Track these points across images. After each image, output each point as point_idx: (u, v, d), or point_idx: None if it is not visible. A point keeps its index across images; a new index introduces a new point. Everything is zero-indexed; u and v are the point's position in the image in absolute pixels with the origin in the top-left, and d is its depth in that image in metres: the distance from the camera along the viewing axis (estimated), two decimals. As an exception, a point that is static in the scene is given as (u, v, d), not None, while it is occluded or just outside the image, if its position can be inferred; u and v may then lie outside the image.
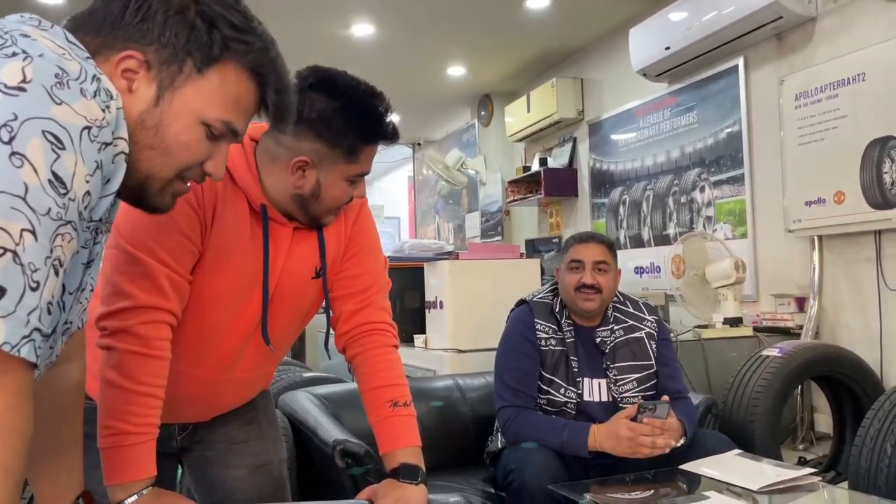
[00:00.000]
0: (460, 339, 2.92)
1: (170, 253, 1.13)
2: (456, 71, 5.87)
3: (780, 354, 2.75)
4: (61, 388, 0.92)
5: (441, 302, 3.00)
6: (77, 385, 0.97)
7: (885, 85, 3.00)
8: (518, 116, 5.82)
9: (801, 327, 3.38)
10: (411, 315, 3.23)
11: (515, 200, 5.84)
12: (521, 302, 2.21)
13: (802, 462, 3.04)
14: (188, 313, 1.19)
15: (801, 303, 3.47)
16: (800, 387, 3.21)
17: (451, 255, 3.10)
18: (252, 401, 1.43)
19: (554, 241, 5.63)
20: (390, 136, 1.22)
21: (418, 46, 5.24)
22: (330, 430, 1.85)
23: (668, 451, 1.86)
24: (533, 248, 5.67)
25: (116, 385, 1.08)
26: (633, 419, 1.88)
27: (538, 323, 2.09)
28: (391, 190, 9.94)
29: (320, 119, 1.16)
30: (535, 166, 5.63)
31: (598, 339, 2.09)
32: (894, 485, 2.09)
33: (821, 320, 3.38)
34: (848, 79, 3.17)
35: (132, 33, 0.79)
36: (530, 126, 5.66)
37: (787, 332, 3.40)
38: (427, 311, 3.12)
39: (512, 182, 5.92)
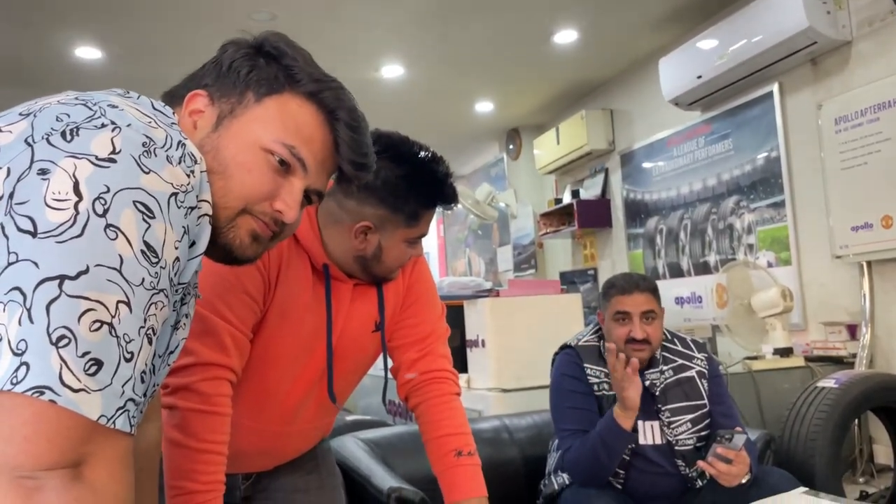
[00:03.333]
0: (504, 377, 2.88)
1: (232, 310, 1.14)
2: (484, 107, 5.91)
3: (836, 385, 2.67)
4: (140, 449, 0.91)
5: (483, 340, 2.97)
6: (155, 444, 0.96)
7: (928, 106, 2.94)
8: (547, 149, 5.83)
9: (853, 356, 3.28)
10: (452, 354, 3.19)
11: (548, 233, 5.82)
12: (566, 346, 2.14)
13: (864, 496, 2.92)
14: (251, 370, 1.19)
15: (852, 330, 3.38)
16: (858, 418, 3.11)
17: (492, 293, 3.08)
18: (312, 450, 1.44)
19: (589, 272, 5.58)
20: (451, 199, 1.25)
21: (446, 85, 5.30)
22: (383, 478, 1.83)
23: (737, 483, 1.80)
24: (568, 280, 5.62)
25: (181, 444, 1.08)
26: (707, 449, 1.83)
27: (588, 367, 2.04)
28: (420, 226, 9.98)
29: (384, 185, 1.18)
30: (567, 198, 5.61)
31: (648, 382, 2.03)
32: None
33: (874, 348, 3.28)
34: (889, 102, 3.12)
35: (204, 80, 0.83)
36: (560, 158, 5.65)
37: (839, 361, 3.30)
38: (469, 349, 3.08)
39: (544, 214, 5.90)
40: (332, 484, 1.48)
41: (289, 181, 0.83)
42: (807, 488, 1.93)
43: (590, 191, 5.59)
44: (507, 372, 2.88)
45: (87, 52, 4.30)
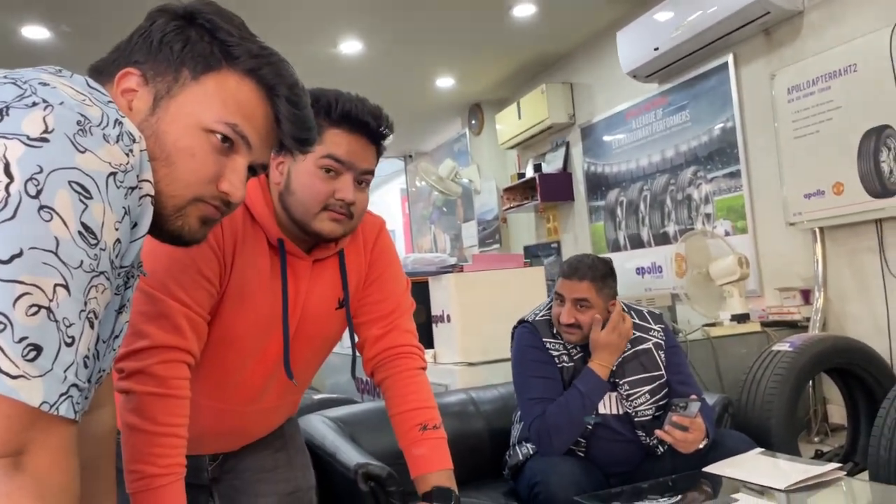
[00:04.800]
0: (470, 351, 2.91)
1: (186, 292, 1.12)
2: (445, 82, 5.88)
3: (791, 349, 2.75)
4: (94, 436, 0.91)
5: (448, 315, 2.98)
6: (109, 431, 0.95)
7: (876, 75, 3.01)
8: (509, 124, 5.83)
9: (808, 320, 3.39)
10: (418, 330, 3.20)
11: (511, 207, 5.85)
12: (522, 322, 2.17)
13: (819, 454, 3.03)
14: (211, 351, 1.18)
15: (806, 295, 3.48)
16: (812, 380, 3.21)
17: (456, 269, 3.09)
18: (280, 428, 1.43)
19: (552, 246, 5.63)
20: (356, 115, 1.17)
21: (406, 60, 5.25)
22: (350, 454, 1.83)
23: (694, 449, 1.86)
24: (532, 254, 5.66)
25: (138, 428, 1.07)
26: (664, 418, 1.88)
27: (546, 341, 2.07)
28: (385, 203, 9.94)
29: None
30: (530, 172, 5.64)
31: None
32: (916, 474, 2.08)
33: (827, 312, 3.39)
34: (839, 70, 3.19)
35: (134, 55, 0.80)
36: (522, 133, 5.67)
37: (794, 326, 3.40)
38: (434, 325, 3.10)
39: (507, 189, 5.92)
40: (301, 462, 1.47)
41: (232, 160, 0.81)
42: (763, 449, 2.00)
43: (552, 165, 5.62)
44: (472, 346, 2.91)
45: (34, 32, 4.16)
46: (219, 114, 0.79)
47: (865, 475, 2.34)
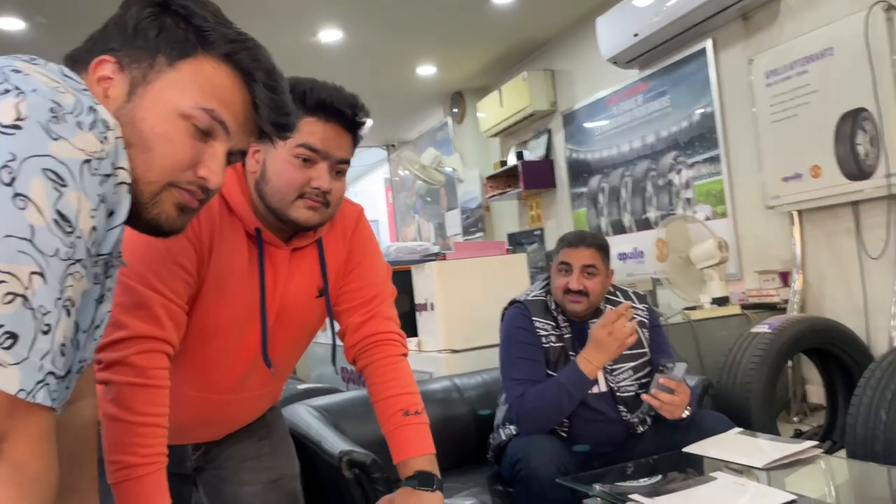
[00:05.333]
0: (454, 339, 2.92)
1: (164, 282, 1.12)
2: (426, 70, 5.86)
3: (770, 330, 2.79)
4: (76, 426, 0.91)
5: (431, 304, 3.00)
6: (91, 422, 0.95)
7: (852, 58, 3.04)
8: (491, 112, 5.83)
9: (786, 302, 3.43)
10: (401, 319, 3.21)
11: (495, 196, 5.86)
12: (515, 301, 2.20)
13: (798, 434, 3.08)
14: (192, 341, 1.18)
15: (784, 277, 3.52)
16: (791, 360, 3.26)
17: (439, 256, 3.10)
18: (262, 417, 1.43)
19: (535, 233, 5.65)
20: (332, 103, 1.16)
21: (387, 48, 5.23)
22: (334, 442, 1.85)
23: (679, 415, 1.90)
24: (516, 241, 5.68)
25: (118, 419, 1.06)
26: (650, 381, 1.91)
27: (536, 321, 2.10)
28: (368, 193, 9.92)
29: None
30: (512, 160, 5.64)
31: (589, 331, 2.10)
32: (891, 450, 2.12)
33: (806, 293, 3.43)
34: (816, 54, 3.21)
35: (109, 43, 0.80)
36: (504, 120, 5.67)
37: (773, 308, 3.44)
38: (418, 313, 3.11)
39: (490, 177, 5.93)
40: (285, 450, 1.48)
41: (211, 146, 0.81)
42: (742, 429, 2.03)
43: (534, 152, 5.64)
44: (456, 333, 2.92)
45: (9, 23, 4.11)
46: (196, 99, 0.79)
47: (843, 453, 2.38)
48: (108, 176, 0.69)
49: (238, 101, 0.82)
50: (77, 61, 0.80)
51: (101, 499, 1.00)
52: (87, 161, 0.66)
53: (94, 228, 0.67)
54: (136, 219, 0.79)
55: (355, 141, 1.24)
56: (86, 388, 0.92)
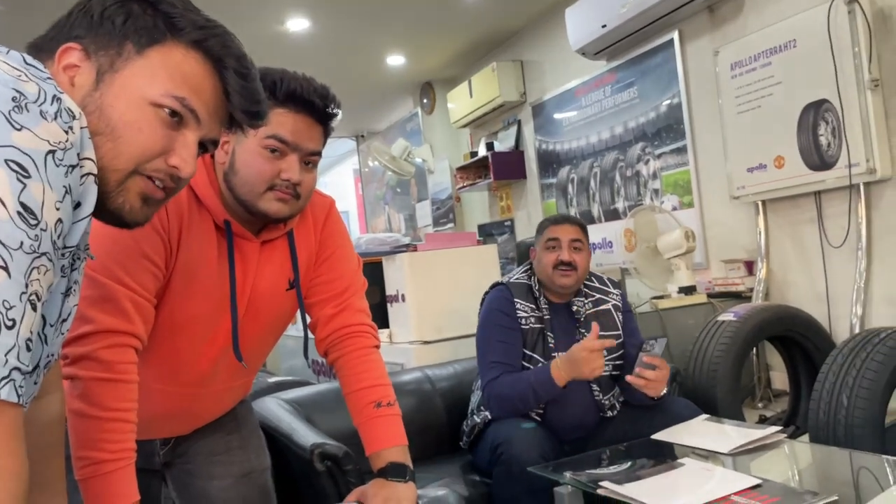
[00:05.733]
0: (425, 330, 2.93)
1: (131, 275, 1.10)
2: (395, 60, 5.83)
3: (735, 318, 2.84)
4: (43, 422, 0.89)
5: (403, 295, 2.99)
6: (58, 417, 0.94)
7: (815, 50, 3.10)
8: (461, 102, 5.83)
9: (751, 290, 3.50)
10: (373, 310, 3.21)
11: (465, 186, 5.86)
12: (498, 284, 2.25)
13: (763, 419, 3.15)
14: (160, 334, 1.17)
15: (749, 266, 3.59)
16: (755, 347, 3.33)
17: (409, 248, 3.10)
18: (232, 410, 1.42)
19: (506, 224, 5.67)
20: (300, 93, 1.15)
21: (355, 38, 5.19)
22: (305, 435, 1.84)
23: (662, 391, 1.96)
24: (486, 232, 5.70)
25: (85, 415, 1.04)
26: (634, 360, 1.95)
27: (518, 302, 2.15)
28: (337, 184, 9.85)
29: None
30: (482, 151, 5.65)
31: (575, 308, 2.17)
32: (852, 435, 2.18)
33: (770, 282, 3.50)
34: (780, 46, 3.27)
35: (74, 30, 0.78)
36: (474, 111, 5.67)
37: (738, 296, 3.50)
38: (389, 305, 3.11)
39: (460, 168, 5.93)
40: (255, 444, 1.47)
41: (182, 134, 0.80)
42: (709, 415, 2.07)
43: (504, 143, 5.65)
44: (427, 324, 2.93)
45: (-37, 10, 3.98)
46: (165, 87, 0.77)
47: (806, 438, 2.44)
48: (73, 167, 0.68)
49: (209, 89, 0.81)
50: (41, 50, 0.78)
51: (69, 495, 0.99)
52: (52, 151, 0.64)
53: (59, 220, 0.66)
54: (100, 209, 0.77)
55: (326, 133, 1.23)
56: (53, 384, 0.91)
